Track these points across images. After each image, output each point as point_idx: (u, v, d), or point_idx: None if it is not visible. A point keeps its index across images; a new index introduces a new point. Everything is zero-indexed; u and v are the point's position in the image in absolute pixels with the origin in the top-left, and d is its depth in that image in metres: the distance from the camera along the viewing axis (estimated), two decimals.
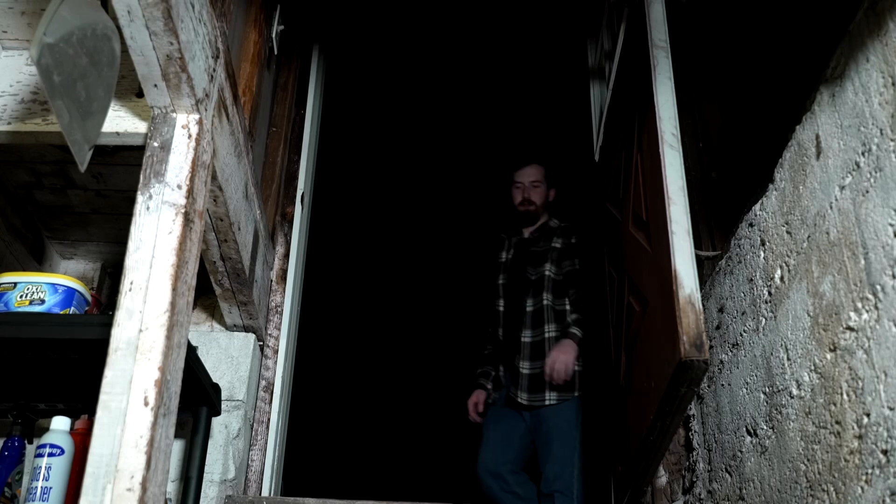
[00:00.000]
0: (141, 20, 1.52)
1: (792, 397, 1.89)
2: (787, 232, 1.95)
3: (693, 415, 2.69)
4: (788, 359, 1.93)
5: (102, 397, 1.50)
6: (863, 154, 1.57)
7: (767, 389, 2.06)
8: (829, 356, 1.70)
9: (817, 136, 1.80)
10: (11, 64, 2.06)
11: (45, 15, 1.41)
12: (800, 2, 2.89)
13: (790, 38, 2.88)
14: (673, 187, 2.25)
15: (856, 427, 1.57)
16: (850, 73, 1.65)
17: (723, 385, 2.41)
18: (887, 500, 1.42)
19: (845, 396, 1.62)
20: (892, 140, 1.46)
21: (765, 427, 2.06)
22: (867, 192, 1.54)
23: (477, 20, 3.99)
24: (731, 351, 2.34)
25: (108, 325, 1.58)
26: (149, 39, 1.57)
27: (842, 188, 1.66)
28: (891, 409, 1.43)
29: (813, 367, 1.78)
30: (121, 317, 1.57)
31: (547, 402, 3.22)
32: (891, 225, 1.45)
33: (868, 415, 1.51)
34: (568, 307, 3.38)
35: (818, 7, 2.59)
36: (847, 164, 1.64)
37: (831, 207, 1.71)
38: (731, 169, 2.95)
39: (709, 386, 2.55)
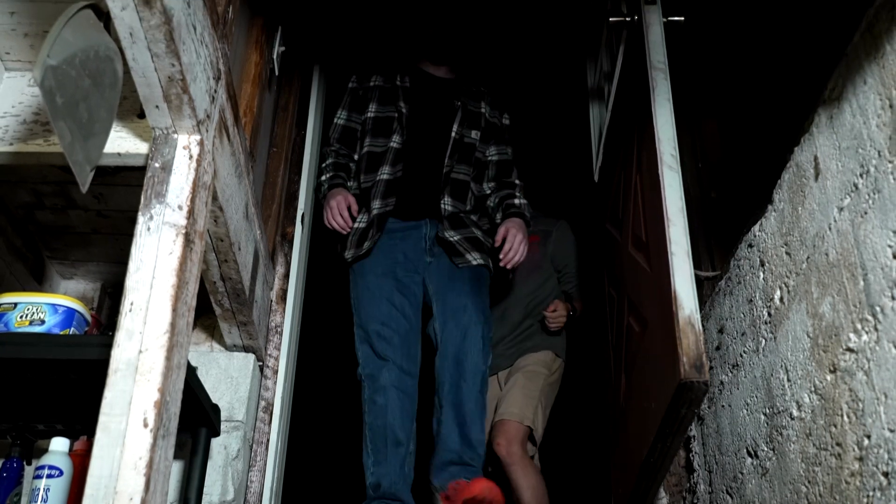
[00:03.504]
0: (143, 42, 1.53)
1: (792, 419, 1.89)
2: (787, 253, 1.96)
3: (693, 436, 2.68)
4: (788, 380, 1.92)
5: (102, 418, 1.50)
6: (861, 176, 1.58)
7: (768, 411, 2.06)
8: (829, 377, 1.70)
9: (816, 158, 1.80)
10: (14, 85, 2.07)
11: (48, 37, 1.42)
12: (798, 23, 2.91)
13: (788, 60, 2.90)
14: (672, 208, 2.26)
15: (857, 449, 1.56)
16: (848, 95, 1.66)
17: (723, 406, 2.41)
18: None
19: (846, 418, 1.62)
20: (890, 162, 1.47)
21: (765, 448, 2.06)
22: (866, 213, 1.55)
23: (477, 41, 4.00)
24: (732, 372, 2.34)
25: (107, 345, 1.58)
26: (151, 61, 1.57)
27: (840, 209, 1.67)
28: (891, 431, 1.43)
29: (813, 389, 1.78)
30: (121, 337, 1.57)
31: None
32: (889, 246, 1.45)
33: (869, 437, 1.51)
34: None
35: (816, 29, 2.61)
36: (845, 186, 1.65)
37: (830, 229, 1.71)
38: (730, 189, 2.96)
39: (709, 407, 2.54)
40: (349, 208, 2.97)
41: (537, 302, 3.51)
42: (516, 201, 3.12)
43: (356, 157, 3.18)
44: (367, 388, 2.83)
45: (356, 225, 3.00)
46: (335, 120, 3.23)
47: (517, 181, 3.22)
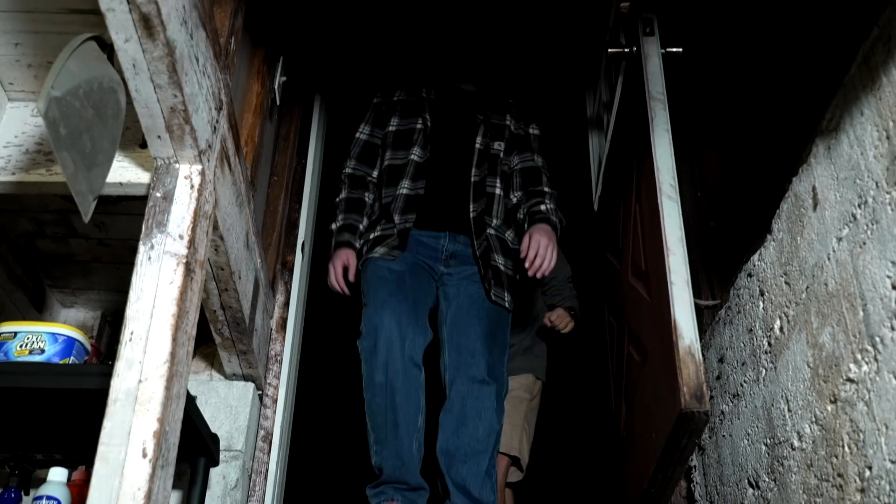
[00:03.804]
0: (146, 73, 1.54)
1: (793, 449, 1.88)
2: (786, 282, 1.96)
3: (694, 466, 2.67)
4: (789, 410, 1.92)
5: (101, 448, 1.50)
6: (859, 206, 1.59)
7: (769, 441, 2.05)
8: (829, 408, 1.70)
9: (814, 188, 1.81)
10: (17, 115, 2.09)
11: (52, 69, 1.43)
12: (795, 54, 2.93)
13: (786, 90, 2.92)
14: (672, 238, 2.27)
15: (858, 480, 1.56)
16: (845, 125, 1.67)
17: (724, 436, 2.40)
18: None
19: (847, 449, 1.61)
20: (887, 193, 1.48)
21: (767, 479, 2.05)
22: (864, 243, 1.56)
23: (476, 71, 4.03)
24: (732, 401, 2.33)
25: (107, 375, 1.58)
26: (153, 92, 1.58)
27: (839, 240, 1.67)
28: (892, 462, 1.43)
29: (814, 419, 1.77)
30: (120, 367, 1.57)
31: None
32: (888, 277, 1.46)
33: (870, 468, 1.51)
34: None
35: (813, 60, 2.63)
36: (844, 216, 1.65)
37: (829, 259, 1.72)
38: (729, 218, 2.97)
39: (710, 437, 2.53)
40: (346, 271, 2.87)
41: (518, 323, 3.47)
42: (542, 207, 2.94)
43: (375, 172, 3.08)
44: (365, 363, 2.68)
45: (376, 233, 2.90)
46: (357, 135, 3.14)
47: (547, 188, 3.04)
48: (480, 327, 2.76)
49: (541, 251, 2.71)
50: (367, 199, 3.05)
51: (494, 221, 2.92)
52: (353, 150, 3.11)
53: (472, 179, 2.94)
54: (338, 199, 3.05)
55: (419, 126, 3.01)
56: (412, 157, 2.96)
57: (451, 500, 2.56)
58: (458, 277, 2.86)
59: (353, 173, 3.07)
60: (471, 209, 2.89)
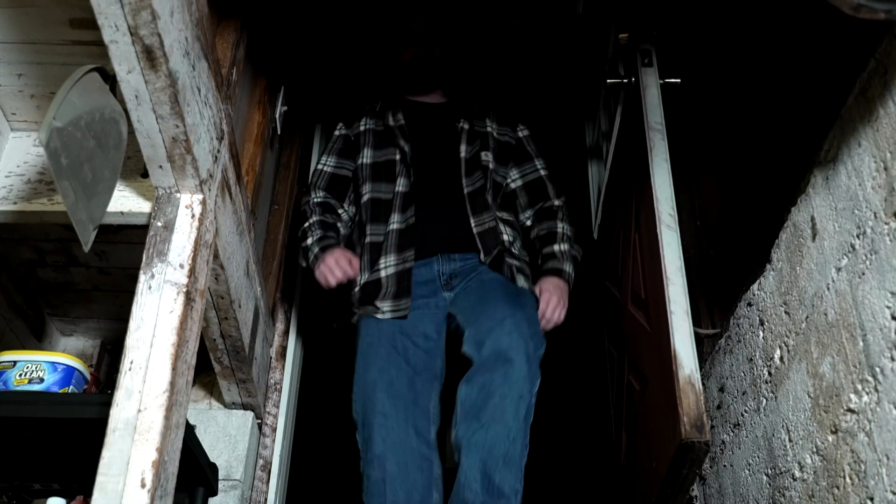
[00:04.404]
0: (148, 104, 1.55)
1: (794, 479, 1.87)
2: (786, 312, 1.96)
3: (696, 496, 2.66)
4: (790, 440, 1.91)
5: (99, 478, 1.49)
6: (858, 237, 1.59)
7: (770, 471, 2.04)
8: (830, 438, 1.69)
9: (812, 218, 1.82)
10: (19, 145, 2.10)
11: (55, 99, 1.45)
12: (793, 85, 2.95)
13: (784, 120, 2.94)
14: (671, 268, 2.27)
15: None
16: (843, 156, 1.68)
17: (725, 466, 2.39)
18: None
19: (848, 480, 1.61)
20: (886, 224, 1.48)
21: None
22: (863, 273, 1.56)
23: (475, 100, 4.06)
24: (733, 431, 2.32)
25: (106, 404, 1.57)
26: (155, 122, 1.60)
27: (838, 270, 1.68)
28: (894, 493, 1.42)
29: (815, 450, 1.77)
30: (120, 397, 1.57)
31: None
32: (888, 307, 1.46)
33: (872, 499, 1.50)
34: None
35: (811, 90, 2.65)
36: (843, 246, 1.66)
37: (828, 288, 1.72)
38: (729, 247, 2.97)
39: (711, 467, 2.52)
40: (350, 263, 2.57)
41: None
42: (555, 248, 2.74)
43: (348, 206, 2.83)
44: (361, 450, 2.39)
45: (361, 280, 2.62)
46: (318, 166, 2.87)
47: (556, 201, 2.85)
48: (502, 291, 2.54)
49: (549, 311, 2.58)
50: (341, 228, 2.81)
51: (504, 237, 2.71)
52: (316, 181, 2.84)
53: (466, 191, 2.73)
54: (306, 225, 2.74)
55: (398, 157, 2.78)
56: (398, 188, 2.72)
57: (464, 487, 2.26)
58: (468, 281, 2.64)
59: (325, 201, 2.81)
60: (472, 223, 2.68)
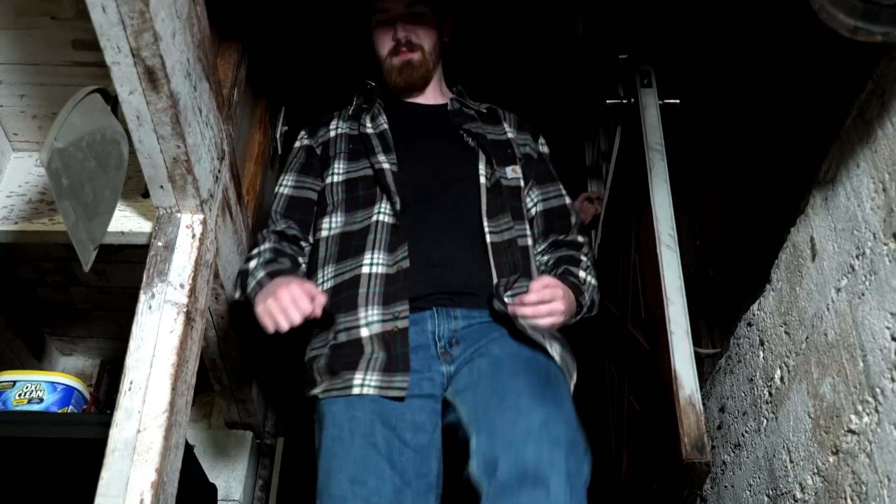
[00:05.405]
0: (149, 125, 1.56)
1: (796, 501, 1.87)
2: (786, 332, 1.96)
3: None
4: (791, 461, 1.91)
5: (98, 500, 1.49)
6: (857, 257, 1.59)
7: (771, 492, 2.03)
8: (831, 459, 1.69)
9: (812, 239, 1.82)
10: (21, 165, 2.11)
11: (56, 120, 1.45)
12: (792, 105, 2.96)
13: (783, 141, 2.95)
14: (671, 288, 2.27)
15: None
16: (842, 177, 1.69)
17: (726, 486, 2.37)
18: None
19: (849, 501, 1.60)
20: (885, 244, 1.48)
21: None
22: (863, 294, 1.56)
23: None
24: (734, 452, 2.31)
25: (105, 424, 1.57)
26: (156, 143, 1.60)
27: (838, 290, 1.68)
28: None
29: (816, 471, 1.76)
30: (119, 417, 1.57)
31: None
32: (888, 328, 1.46)
33: None
34: None
35: (810, 111, 2.66)
36: (842, 267, 1.66)
37: (828, 309, 1.72)
38: (728, 266, 2.97)
39: (712, 487, 2.51)
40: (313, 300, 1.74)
41: None
42: (580, 274, 2.08)
43: (311, 239, 2.12)
44: None
45: (344, 338, 1.86)
46: (277, 189, 2.18)
47: (580, 237, 2.20)
48: (525, 378, 1.76)
49: (543, 300, 1.83)
50: (301, 262, 2.10)
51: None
52: (276, 208, 2.13)
53: (486, 230, 1.99)
54: (255, 252, 2.04)
55: (376, 173, 2.07)
56: (380, 217, 1.99)
57: None
58: (475, 351, 1.88)
59: (286, 231, 2.09)
60: (494, 275, 1.95)
